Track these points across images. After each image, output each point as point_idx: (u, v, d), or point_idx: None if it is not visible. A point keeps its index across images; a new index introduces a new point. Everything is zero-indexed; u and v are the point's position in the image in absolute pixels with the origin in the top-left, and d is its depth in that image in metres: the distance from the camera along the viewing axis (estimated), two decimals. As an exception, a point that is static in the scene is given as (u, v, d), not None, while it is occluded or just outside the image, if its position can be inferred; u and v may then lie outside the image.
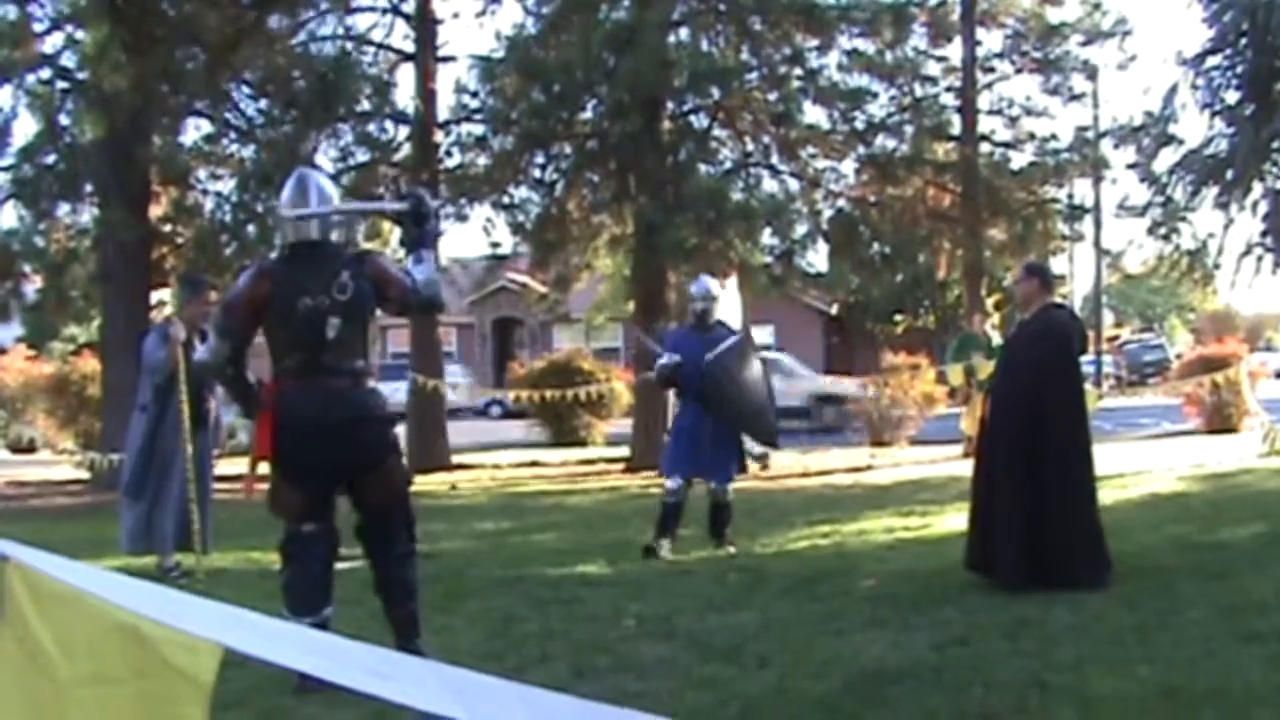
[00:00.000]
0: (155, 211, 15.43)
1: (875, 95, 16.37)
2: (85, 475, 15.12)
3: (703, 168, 15.84)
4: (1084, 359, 7.20)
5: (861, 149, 16.58)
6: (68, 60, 14.50)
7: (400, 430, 5.41)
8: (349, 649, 1.62)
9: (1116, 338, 41.27)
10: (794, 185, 16.85)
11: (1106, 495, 8.86)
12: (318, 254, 4.69)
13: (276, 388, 4.71)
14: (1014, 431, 6.14)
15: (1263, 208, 11.76)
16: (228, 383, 4.91)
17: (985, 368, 14.40)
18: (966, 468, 13.86)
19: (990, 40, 17.13)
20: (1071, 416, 6.27)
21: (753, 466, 10.44)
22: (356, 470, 4.71)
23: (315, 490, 4.67)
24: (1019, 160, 17.13)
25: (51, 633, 1.78)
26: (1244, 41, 11.19)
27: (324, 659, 1.57)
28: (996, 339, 15.73)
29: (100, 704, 1.75)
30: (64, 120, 14.36)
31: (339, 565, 4.93)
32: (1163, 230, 13.03)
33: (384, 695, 1.48)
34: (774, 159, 16.78)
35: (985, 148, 16.95)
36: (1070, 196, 17.82)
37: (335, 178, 15.98)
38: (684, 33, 15.97)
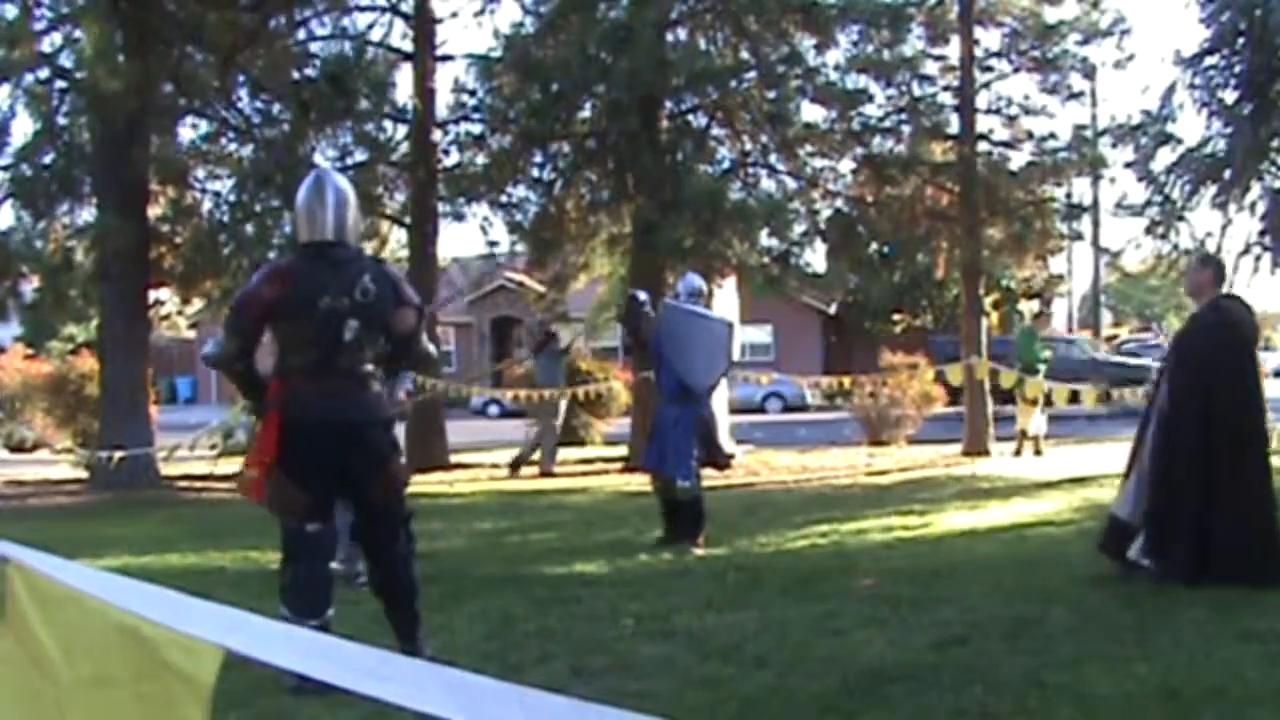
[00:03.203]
0: (153, 211, 15.41)
1: (872, 96, 16.36)
2: (83, 474, 15.10)
3: (700, 167, 15.82)
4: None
5: (859, 148, 16.57)
6: (66, 60, 14.48)
7: (401, 430, 5.38)
8: (347, 650, 1.62)
9: (1115, 337, 41.31)
10: (792, 185, 16.82)
11: (1106, 494, 8.88)
12: (337, 255, 4.67)
13: (282, 387, 4.65)
14: (1189, 426, 6.04)
15: (1261, 207, 11.81)
16: (237, 378, 4.87)
17: (983, 366, 14.44)
18: (964, 467, 14.00)
19: (988, 39, 17.09)
20: (1247, 412, 6.18)
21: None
22: (362, 471, 4.69)
23: (321, 490, 4.64)
24: (1017, 159, 17.09)
25: (52, 634, 1.78)
26: (1241, 41, 11.23)
27: (322, 660, 1.57)
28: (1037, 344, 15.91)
29: (101, 705, 1.75)
30: (62, 120, 14.36)
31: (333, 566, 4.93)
32: (1161, 229, 13.04)
33: (382, 696, 1.49)
34: (772, 158, 16.75)
35: (983, 147, 16.90)
36: (1068, 195, 17.77)
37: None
38: (681, 32, 15.95)
